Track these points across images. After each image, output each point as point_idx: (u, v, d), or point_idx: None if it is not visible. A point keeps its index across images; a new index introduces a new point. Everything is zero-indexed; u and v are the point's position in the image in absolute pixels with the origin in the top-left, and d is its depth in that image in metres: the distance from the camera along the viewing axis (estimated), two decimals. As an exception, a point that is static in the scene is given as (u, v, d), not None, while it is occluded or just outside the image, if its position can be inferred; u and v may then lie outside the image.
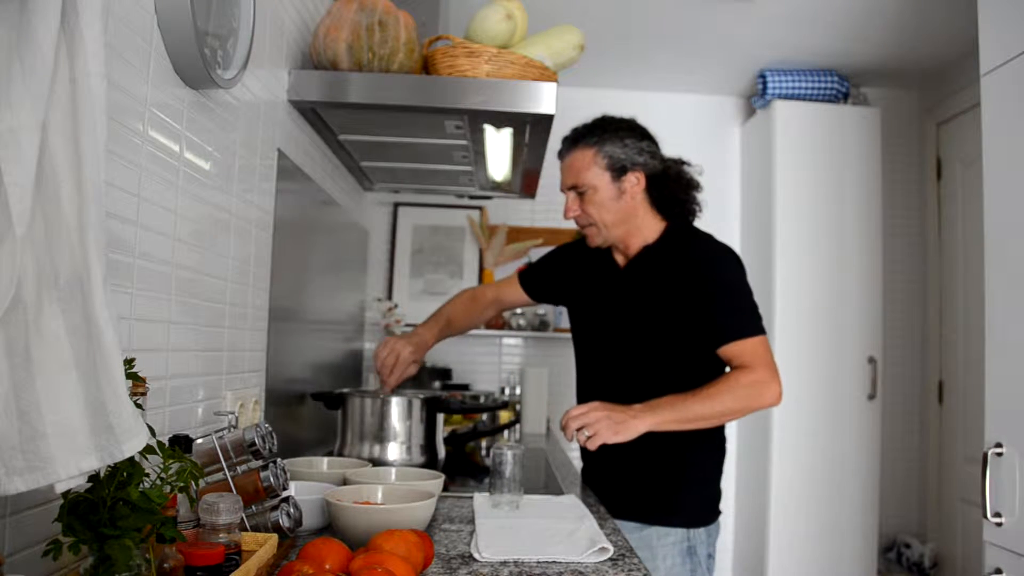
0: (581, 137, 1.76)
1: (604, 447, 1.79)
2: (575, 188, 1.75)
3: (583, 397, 1.89)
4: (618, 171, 1.72)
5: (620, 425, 1.55)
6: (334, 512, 1.13)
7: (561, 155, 1.80)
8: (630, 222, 1.76)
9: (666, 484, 1.70)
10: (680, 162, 1.80)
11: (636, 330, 1.74)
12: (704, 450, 1.76)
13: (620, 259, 1.83)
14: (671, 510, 1.68)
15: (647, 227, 1.77)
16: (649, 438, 1.69)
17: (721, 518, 1.78)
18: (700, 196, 1.81)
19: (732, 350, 1.63)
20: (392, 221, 3.42)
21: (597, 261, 1.87)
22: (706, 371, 1.71)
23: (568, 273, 1.96)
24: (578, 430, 1.56)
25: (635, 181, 1.74)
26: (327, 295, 2.23)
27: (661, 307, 1.70)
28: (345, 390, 1.85)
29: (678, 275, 1.70)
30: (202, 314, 1.26)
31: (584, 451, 1.88)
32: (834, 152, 3.19)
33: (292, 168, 1.76)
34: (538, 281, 2.04)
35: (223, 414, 1.29)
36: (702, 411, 1.58)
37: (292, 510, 1.09)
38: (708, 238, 1.78)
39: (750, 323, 1.65)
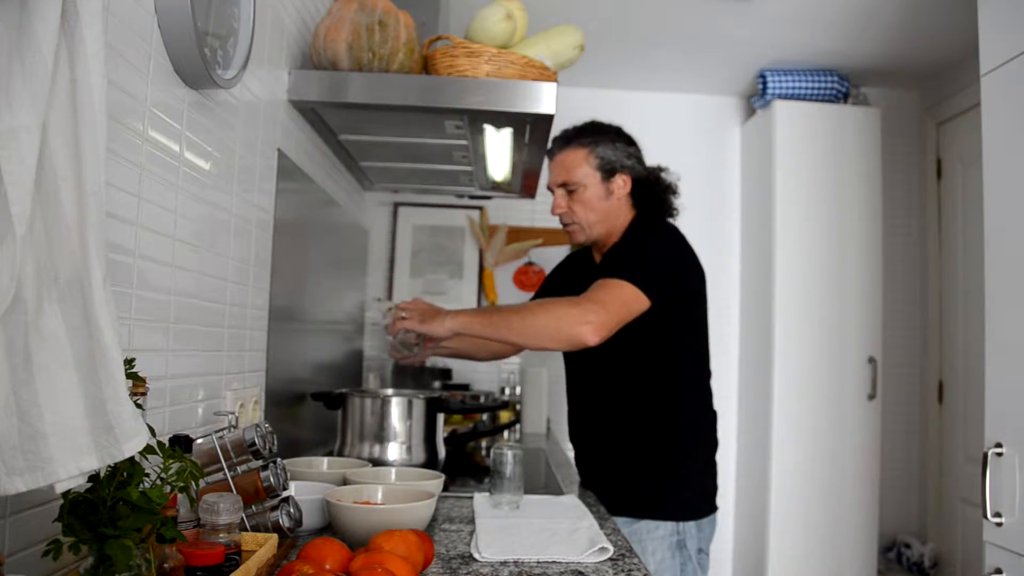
0: (574, 137, 1.82)
1: (592, 441, 1.81)
2: (565, 185, 1.80)
3: (571, 396, 1.92)
4: (608, 172, 1.79)
5: (430, 317, 1.70)
6: (334, 512, 1.13)
7: (552, 153, 1.85)
8: (611, 222, 1.82)
9: (654, 478, 1.71)
10: (660, 169, 1.87)
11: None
12: (692, 443, 1.77)
13: (597, 257, 1.89)
14: (660, 503, 1.69)
15: (623, 225, 1.83)
16: (635, 430, 1.72)
17: (721, 517, 1.79)
18: (678, 201, 1.88)
19: (598, 282, 1.65)
20: (392, 221, 3.42)
21: (581, 263, 1.95)
22: (681, 356, 1.74)
23: (560, 284, 2.02)
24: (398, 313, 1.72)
25: (622, 184, 1.80)
26: (327, 295, 2.23)
27: None
28: (345, 390, 1.85)
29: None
30: (202, 314, 1.26)
31: (575, 448, 1.90)
32: (834, 152, 3.18)
33: (292, 168, 1.76)
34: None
35: (223, 414, 1.29)
36: (511, 321, 1.62)
37: (292, 510, 1.09)
38: (651, 225, 1.80)
39: (627, 270, 1.65)
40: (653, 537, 1.67)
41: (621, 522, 1.68)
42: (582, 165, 1.78)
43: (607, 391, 1.79)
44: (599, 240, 1.84)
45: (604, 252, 1.84)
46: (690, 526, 1.69)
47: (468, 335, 1.71)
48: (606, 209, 1.79)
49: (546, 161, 1.92)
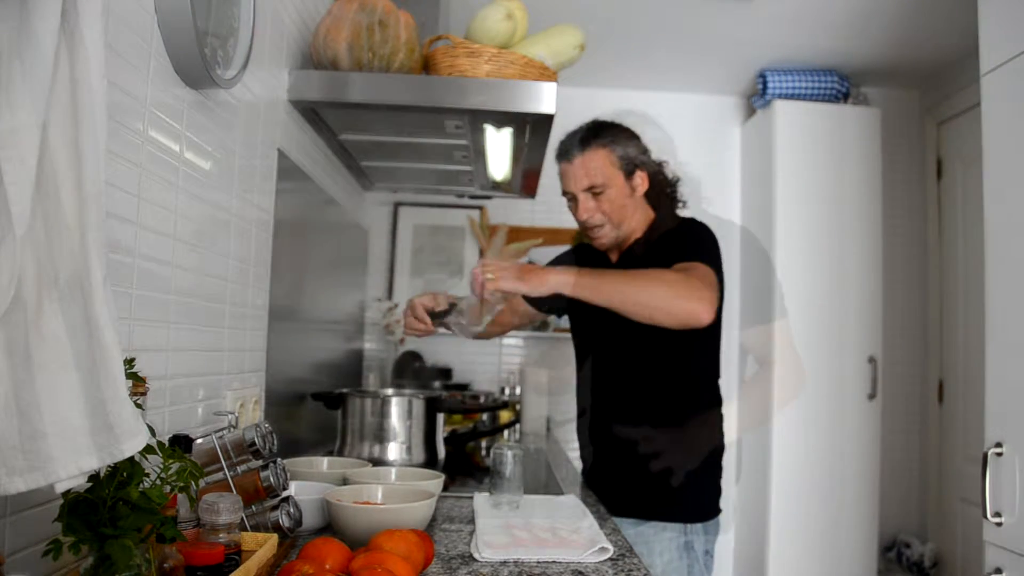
0: (591, 138, 1.76)
1: (604, 444, 1.80)
2: (592, 188, 1.74)
3: (583, 395, 1.90)
4: (629, 170, 1.76)
5: (528, 274, 1.54)
6: (334, 512, 1.13)
7: (569, 157, 1.77)
8: (633, 219, 1.79)
9: (664, 479, 1.71)
10: (662, 162, 1.86)
11: (631, 322, 1.74)
12: (702, 444, 1.76)
13: (614, 256, 1.86)
14: (668, 505, 1.69)
15: (641, 222, 1.81)
16: (647, 430, 1.71)
17: (721, 517, 1.78)
18: (686, 190, 1.87)
19: (679, 265, 1.59)
20: (392, 221, 3.42)
21: (593, 261, 1.90)
22: (700, 358, 1.73)
23: None
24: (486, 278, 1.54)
25: (640, 180, 1.78)
26: (327, 295, 2.23)
27: None
28: (345, 390, 1.85)
29: (660, 252, 1.70)
30: (202, 314, 1.26)
31: (585, 450, 1.89)
32: (834, 152, 3.18)
33: (292, 168, 1.76)
34: None
35: (223, 414, 1.29)
36: (624, 287, 1.51)
37: (292, 510, 1.09)
38: (688, 218, 1.80)
39: (702, 256, 1.62)
40: (660, 538, 1.67)
41: (629, 523, 1.67)
42: (606, 165, 1.74)
43: (621, 391, 1.78)
44: (621, 239, 1.81)
45: (623, 250, 1.82)
46: (697, 528, 1.68)
47: (569, 296, 1.56)
48: (630, 207, 1.77)
49: (551, 166, 1.89)
